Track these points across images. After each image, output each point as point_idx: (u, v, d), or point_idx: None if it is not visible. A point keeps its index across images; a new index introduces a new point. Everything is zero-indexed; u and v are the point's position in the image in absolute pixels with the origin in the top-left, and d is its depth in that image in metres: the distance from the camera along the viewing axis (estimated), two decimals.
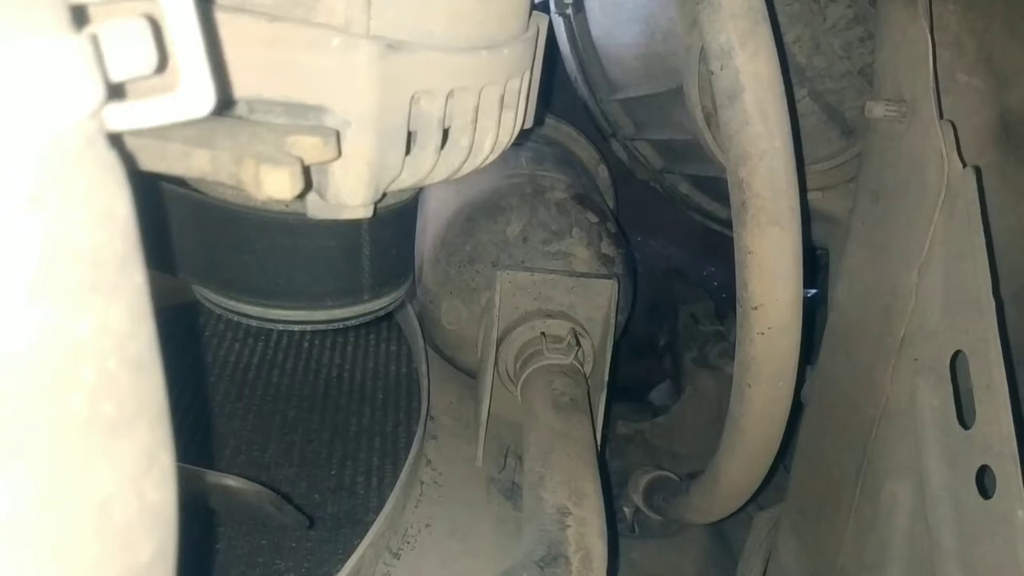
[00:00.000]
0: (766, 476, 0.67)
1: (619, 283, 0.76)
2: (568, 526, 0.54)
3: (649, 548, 0.95)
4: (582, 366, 0.74)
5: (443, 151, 0.39)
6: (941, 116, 0.53)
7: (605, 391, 0.74)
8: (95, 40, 0.19)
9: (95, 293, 0.18)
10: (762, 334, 0.56)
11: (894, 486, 0.58)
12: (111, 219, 0.19)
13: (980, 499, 0.47)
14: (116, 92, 0.20)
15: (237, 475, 0.57)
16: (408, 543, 0.63)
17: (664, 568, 0.94)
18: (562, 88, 0.98)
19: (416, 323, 0.82)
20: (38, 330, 0.17)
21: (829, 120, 0.70)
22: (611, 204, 1.10)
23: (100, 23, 0.20)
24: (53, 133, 0.18)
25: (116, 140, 0.21)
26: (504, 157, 0.46)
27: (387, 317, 0.85)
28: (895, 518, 0.58)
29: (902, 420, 0.58)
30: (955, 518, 0.51)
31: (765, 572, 0.81)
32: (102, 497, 0.20)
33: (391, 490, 0.61)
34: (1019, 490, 0.44)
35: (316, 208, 0.38)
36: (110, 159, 0.20)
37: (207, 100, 0.22)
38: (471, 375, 0.84)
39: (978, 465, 0.48)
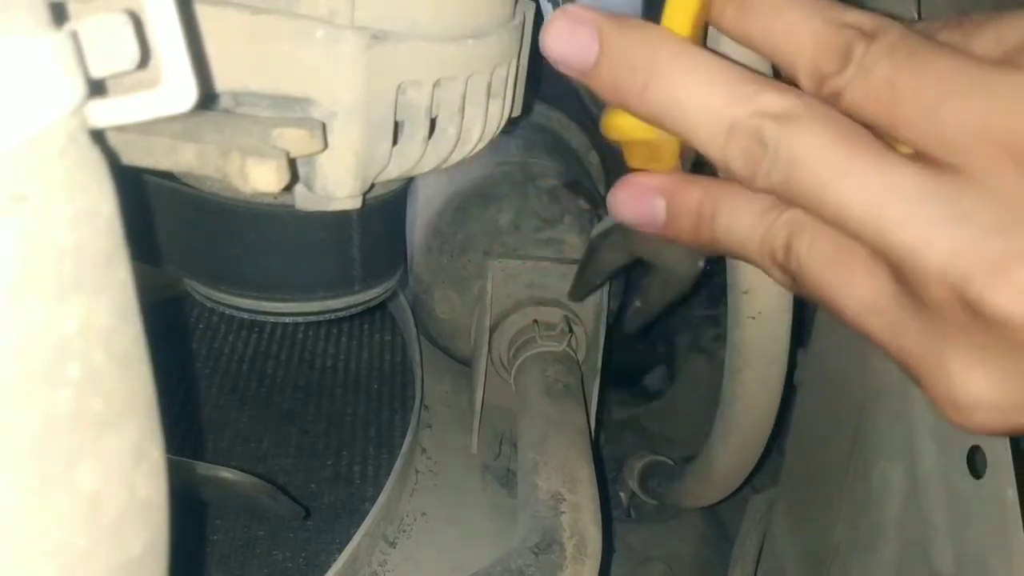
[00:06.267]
0: (760, 459, 0.67)
1: None
2: (562, 512, 0.54)
3: (645, 533, 0.95)
4: (575, 353, 0.74)
5: (431, 141, 0.39)
6: None
7: (598, 377, 0.75)
8: (75, 37, 0.19)
9: (80, 290, 0.19)
10: (753, 318, 0.56)
11: (886, 468, 0.58)
12: (95, 216, 0.19)
13: (971, 479, 0.48)
14: (98, 88, 0.20)
15: (234, 467, 0.57)
16: (404, 531, 0.63)
17: (661, 552, 0.94)
18: (552, 75, 0.98)
19: (409, 313, 0.82)
20: (23, 327, 0.17)
21: None
22: (602, 190, 1.10)
23: (80, 20, 0.20)
24: (34, 131, 0.18)
25: (99, 136, 0.21)
26: (494, 145, 0.46)
27: (380, 307, 0.85)
28: (888, 499, 0.58)
29: (894, 401, 0.58)
30: (946, 498, 0.51)
31: (760, 554, 0.81)
32: (92, 492, 0.20)
33: (387, 479, 0.62)
34: (1009, 470, 0.44)
35: (304, 200, 0.38)
36: (93, 156, 0.20)
37: (189, 95, 0.22)
38: (465, 364, 0.84)
39: (969, 445, 0.48)
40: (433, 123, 0.39)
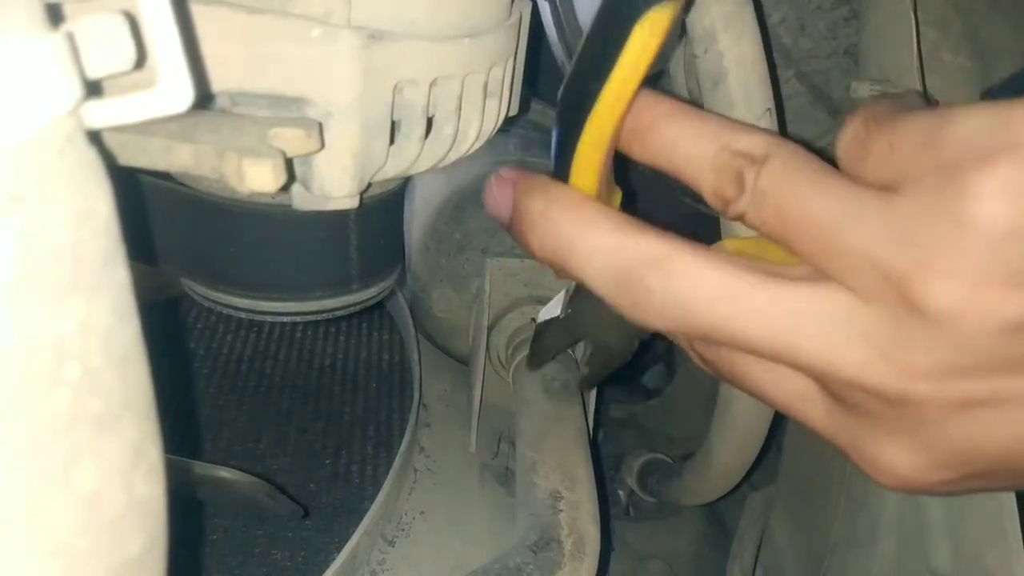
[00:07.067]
0: (759, 456, 0.67)
1: None
2: (560, 510, 0.54)
3: (644, 530, 0.95)
4: (572, 351, 0.74)
5: (428, 140, 0.39)
6: (926, 95, 0.53)
7: None
8: (71, 38, 0.19)
9: (77, 291, 0.19)
10: None
11: None
12: (92, 216, 0.19)
13: None
14: (94, 89, 0.20)
15: (232, 467, 0.57)
16: (403, 530, 0.63)
17: (660, 549, 0.94)
18: (550, 73, 0.98)
19: (407, 312, 0.82)
20: (21, 328, 0.17)
21: (816, 101, 0.70)
22: None
23: (76, 20, 0.20)
24: (32, 131, 0.18)
25: (96, 137, 0.21)
26: (492, 144, 0.46)
27: (378, 306, 0.85)
28: (885, 496, 0.58)
29: None
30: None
31: (759, 551, 0.81)
32: (90, 492, 0.20)
33: (386, 478, 0.62)
34: None
35: (301, 200, 0.38)
36: (90, 156, 0.20)
37: (185, 95, 0.22)
38: (464, 363, 0.84)
39: None
40: (430, 122, 0.39)
